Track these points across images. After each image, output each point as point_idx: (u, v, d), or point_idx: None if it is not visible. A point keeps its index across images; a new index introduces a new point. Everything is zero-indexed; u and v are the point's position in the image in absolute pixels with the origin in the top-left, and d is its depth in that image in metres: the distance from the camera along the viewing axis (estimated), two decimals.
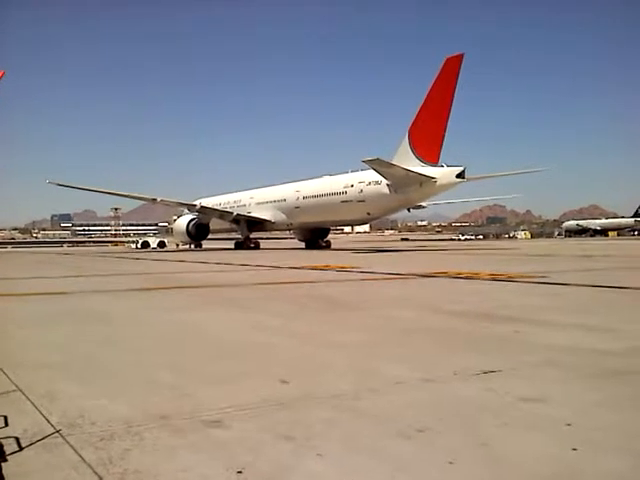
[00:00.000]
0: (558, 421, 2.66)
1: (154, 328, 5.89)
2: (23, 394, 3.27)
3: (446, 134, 31.81)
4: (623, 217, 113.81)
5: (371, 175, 34.27)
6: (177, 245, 54.14)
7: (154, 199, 44.92)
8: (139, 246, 58.20)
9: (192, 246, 49.11)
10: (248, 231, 44.76)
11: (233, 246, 44.94)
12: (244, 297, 9.06)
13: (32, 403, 3.08)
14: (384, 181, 33.59)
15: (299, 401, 3.07)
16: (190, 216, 46.45)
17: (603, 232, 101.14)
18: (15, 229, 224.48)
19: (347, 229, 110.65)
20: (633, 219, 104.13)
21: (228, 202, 49.80)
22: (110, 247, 74.25)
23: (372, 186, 35.16)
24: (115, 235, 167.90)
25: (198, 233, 46.06)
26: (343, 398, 3.11)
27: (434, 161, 32.16)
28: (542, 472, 2.15)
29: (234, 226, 46.11)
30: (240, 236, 45.59)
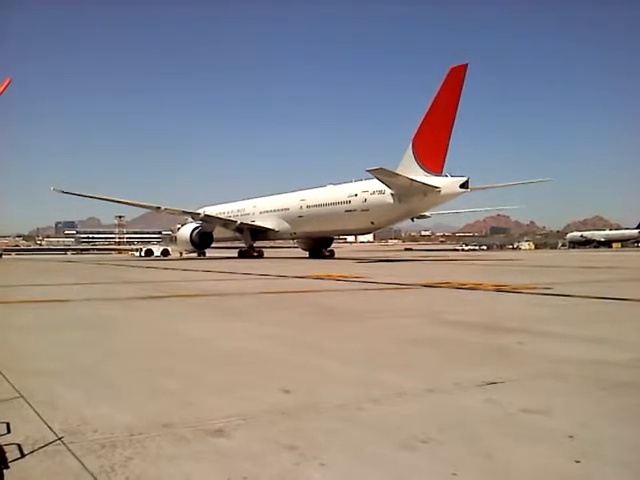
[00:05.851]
0: (561, 433, 2.65)
1: (156, 336, 5.89)
2: (25, 401, 3.27)
3: (450, 144, 31.96)
4: (627, 229, 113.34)
5: (375, 184, 34.31)
6: (181, 253, 54.20)
7: (158, 207, 45.08)
8: (142, 254, 58.35)
9: (196, 254, 49.19)
10: (252, 240, 44.87)
11: (237, 255, 44.99)
12: (247, 306, 9.05)
13: (34, 410, 3.08)
14: (388, 190, 33.64)
15: (301, 411, 3.06)
16: (194, 224, 46.57)
17: (607, 243, 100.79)
18: (19, 236, 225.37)
19: (350, 238, 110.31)
20: (637, 230, 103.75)
21: (232, 211, 49.96)
22: (114, 255, 74.37)
23: (376, 195, 35.21)
24: (119, 243, 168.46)
25: (202, 242, 46.17)
26: (345, 408, 3.10)
27: (438, 171, 32.23)
28: None
29: (238, 235, 46.25)
30: (244, 245, 45.69)
